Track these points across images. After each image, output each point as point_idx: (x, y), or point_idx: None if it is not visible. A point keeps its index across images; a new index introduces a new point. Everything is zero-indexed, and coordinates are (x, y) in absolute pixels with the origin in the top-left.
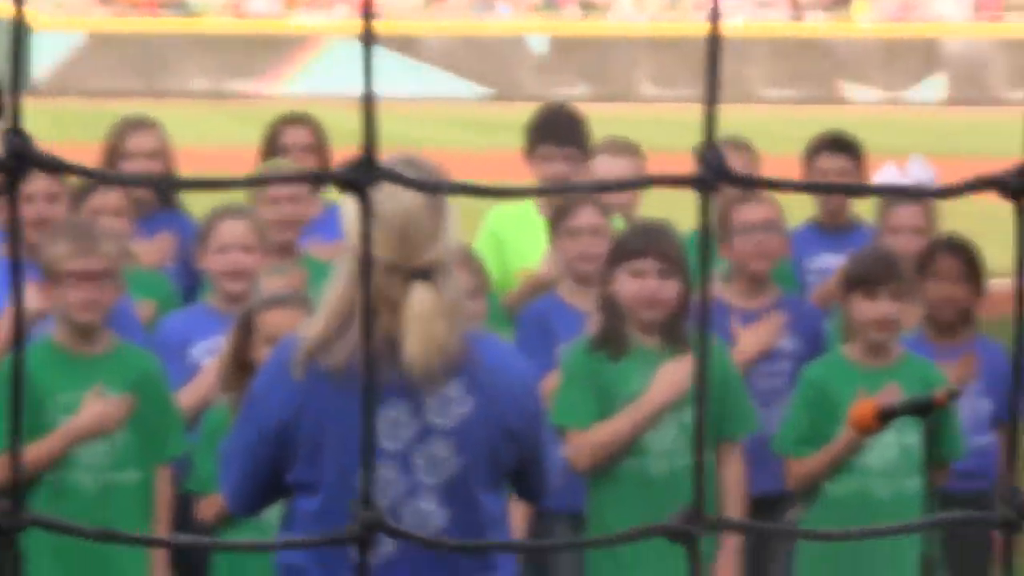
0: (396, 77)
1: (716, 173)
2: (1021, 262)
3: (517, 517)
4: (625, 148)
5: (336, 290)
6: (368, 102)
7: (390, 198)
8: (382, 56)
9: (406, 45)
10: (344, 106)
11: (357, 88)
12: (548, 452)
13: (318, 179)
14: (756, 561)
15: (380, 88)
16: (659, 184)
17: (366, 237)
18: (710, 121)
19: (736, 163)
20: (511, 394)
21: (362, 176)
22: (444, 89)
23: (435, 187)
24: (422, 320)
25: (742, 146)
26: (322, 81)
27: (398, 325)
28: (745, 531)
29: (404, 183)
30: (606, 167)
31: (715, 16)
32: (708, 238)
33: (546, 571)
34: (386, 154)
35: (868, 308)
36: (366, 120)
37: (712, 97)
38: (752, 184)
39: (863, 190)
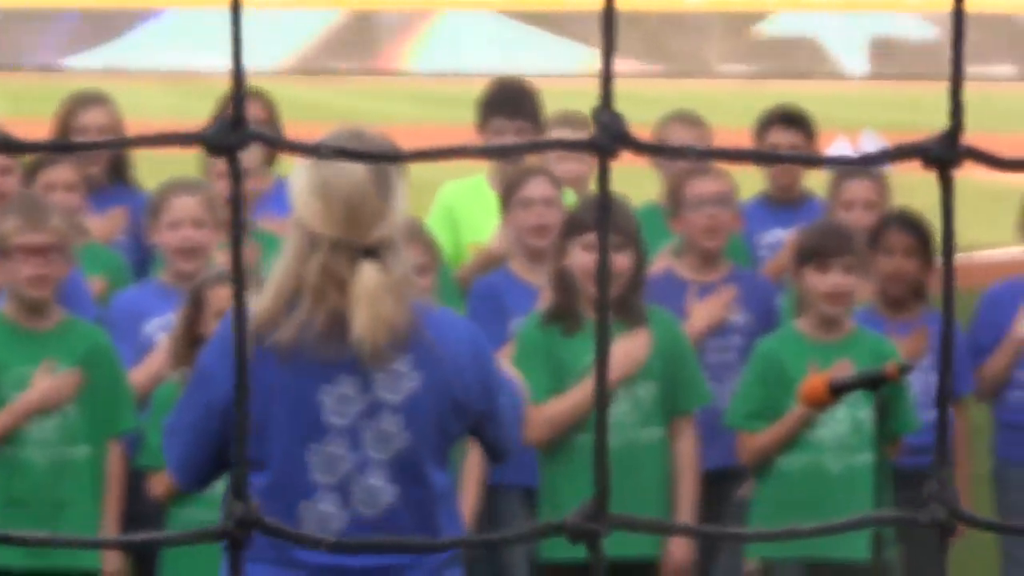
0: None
1: (613, 137)
2: (948, 232)
3: (469, 492)
4: (689, 119)
5: (282, 266)
6: (237, 62)
7: (338, 175)
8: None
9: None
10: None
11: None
12: (504, 413)
13: (185, 141)
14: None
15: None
16: (557, 148)
17: (235, 202)
18: (607, 84)
19: (687, 138)
20: (459, 367)
21: (231, 138)
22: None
23: (342, 153)
24: (370, 298)
25: (693, 121)
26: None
27: (346, 302)
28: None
29: (276, 144)
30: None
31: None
32: (607, 202)
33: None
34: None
35: (820, 281)
36: (235, 82)
37: (608, 58)
38: (650, 150)
39: (770, 157)
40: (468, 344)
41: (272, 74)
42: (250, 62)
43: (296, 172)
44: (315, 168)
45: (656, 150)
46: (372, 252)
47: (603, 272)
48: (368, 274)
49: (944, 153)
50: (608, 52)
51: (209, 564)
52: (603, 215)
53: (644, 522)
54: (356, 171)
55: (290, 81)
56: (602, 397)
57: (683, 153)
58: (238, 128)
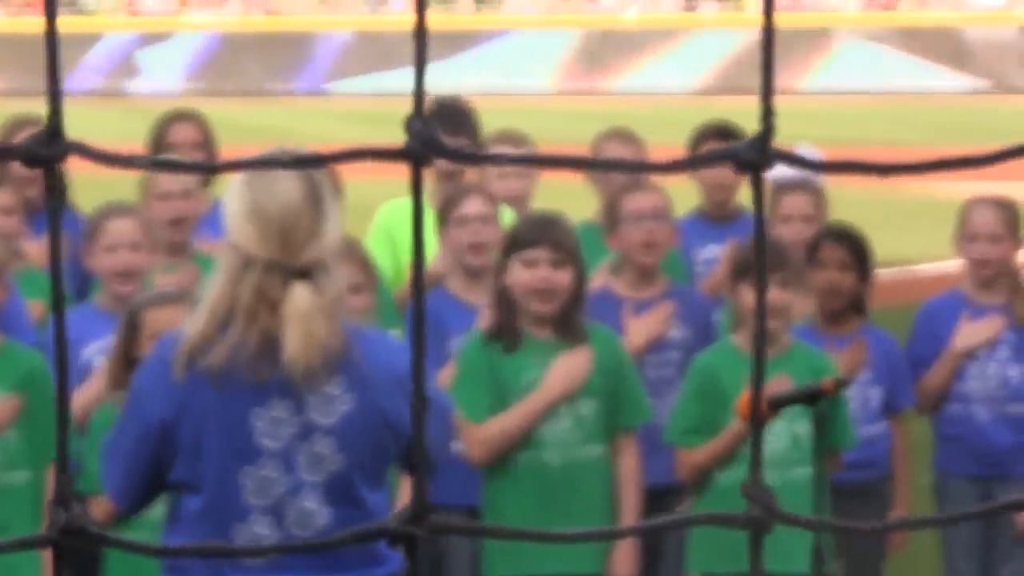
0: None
1: (425, 145)
2: (759, 231)
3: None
4: (624, 136)
5: (215, 287)
6: (51, 74)
7: (271, 196)
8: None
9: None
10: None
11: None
12: (432, 430)
13: (2, 155)
14: (650, 551)
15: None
16: (370, 158)
17: (52, 212)
18: (419, 95)
19: (623, 155)
20: (391, 389)
21: (48, 150)
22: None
23: (229, 166)
24: (302, 320)
25: (627, 137)
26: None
27: (278, 324)
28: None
29: (92, 156)
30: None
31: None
32: (419, 211)
33: (441, 566)
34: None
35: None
36: (51, 96)
37: (420, 69)
38: (467, 159)
39: (590, 164)
40: (400, 365)
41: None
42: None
43: (229, 194)
44: (248, 190)
45: (471, 158)
46: (305, 274)
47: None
48: (300, 295)
49: (755, 157)
50: (420, 67)
51: None
52: (417, 228)
53: (461, 526)
54: (289, 193)
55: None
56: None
57: (497, 159)
58: (53, 141)
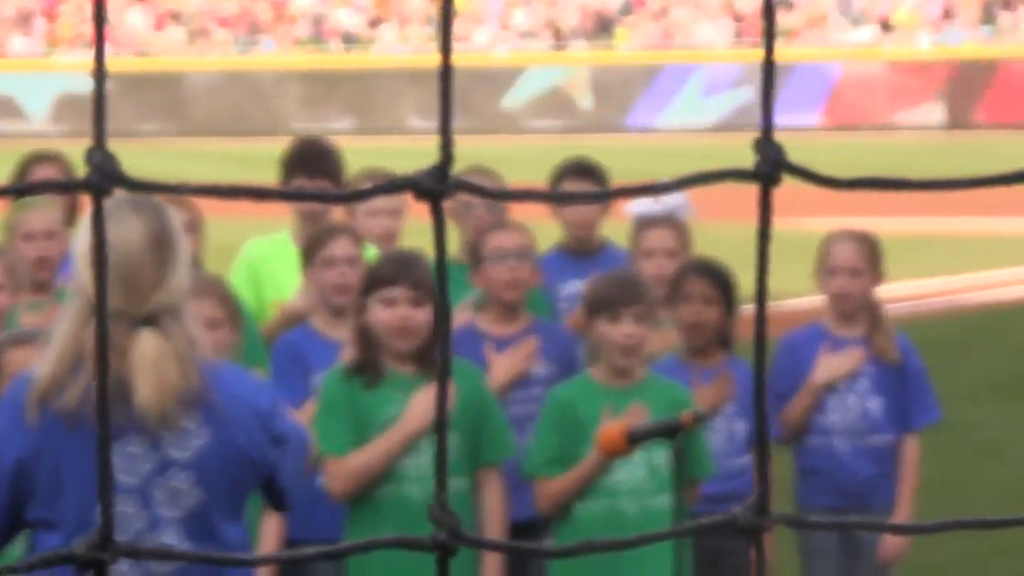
0: None
1: (105, 177)
2: (439, 263)
3: (269, 545)
4: (483, 173)
5: (63, 331)
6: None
7: (114, 246)
8: None
9: None
10: None
11: None
12: (289, 463)
13: (399, 187)
14: None
15: None
16: (54, 191)
17: None
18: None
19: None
20: (246, 422)
21: (441, 185)
22: None
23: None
24: (150, 367)
25: (487, 173)
26: None
27: (127, 369)
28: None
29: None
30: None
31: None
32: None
33: None
34: None
35: (611, 331)
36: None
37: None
38: (165, 190)
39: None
40: (254, 398)
41: None
42: None
43: (77, 236)
44: (91, 233)
45: (137, 186)
46: (151, 320)
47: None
48: (146, 343)
49: (434, 186)
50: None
51: None
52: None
53: (149, 550)
54: (131, 241)
55: None
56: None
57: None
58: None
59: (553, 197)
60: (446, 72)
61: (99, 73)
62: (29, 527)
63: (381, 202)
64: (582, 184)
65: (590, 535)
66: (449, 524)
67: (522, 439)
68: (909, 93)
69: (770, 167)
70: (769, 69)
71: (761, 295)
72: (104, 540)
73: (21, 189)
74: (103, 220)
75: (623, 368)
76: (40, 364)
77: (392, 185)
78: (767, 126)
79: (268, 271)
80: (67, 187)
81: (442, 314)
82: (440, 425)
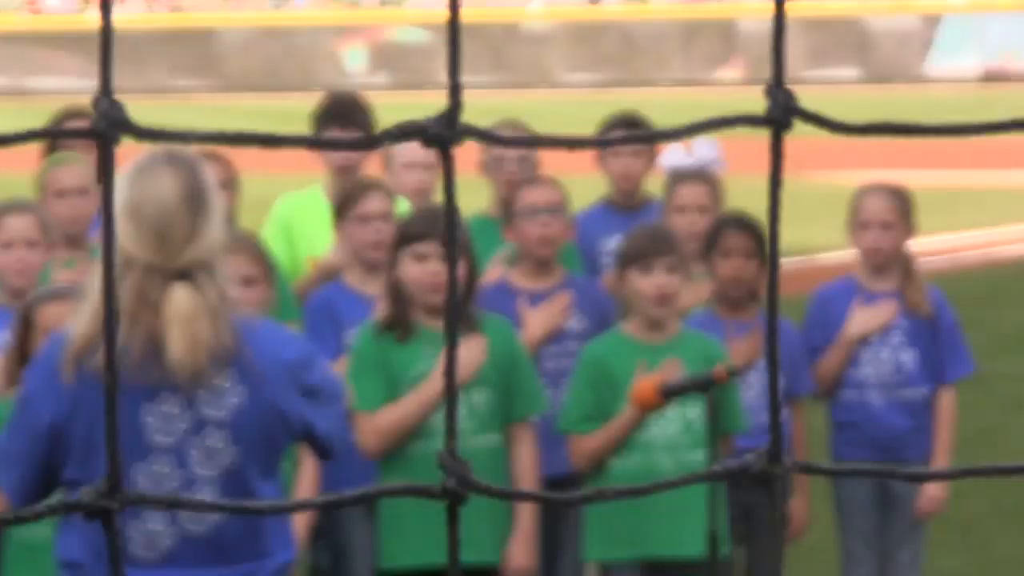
0: None
1: (111, 125)
2: (449, 207)
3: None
4: (514, 127)
5: (97, 288)
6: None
7: (148, 198)
8: None
9: None
10: None
11: None
12: (330, 413)
13: (406, 134)
14: (548, 540)
15: None
16: (61, 137)
17: None
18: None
19: (516, 148)
20: (282, 378)
21: (449, 132)
22: None
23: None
24: (184, 322)
25: (516, 126)
26: None
27: (161, 325)
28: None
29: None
30: None
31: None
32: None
33: (342, 557)
34: None
35: (643, 283)
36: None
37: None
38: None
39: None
40: (288, 353)
41: None
42: None
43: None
44: (128, 189)
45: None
46: (185, 275)
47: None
48: (180, 298)
49: (442, 132)
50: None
51: None
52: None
53: (157, 498)
54: (166, 194)
55: None
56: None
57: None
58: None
59: (552, 142)
60: (454, 19)
61: (106, 23)
62: (66, 487)
63: (416, 156)
64: None
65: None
66: (458, 472)
67: (556, 394)
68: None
69: (781, 112)
70: (780, 19)
71: (773, 242)
72: (111, 489)
73: (22, 137)
74: (112, 167)
75: (656, 320)
76: (74, 322)
77: (400, 132)
78: (778, 73)
79: (300, 227)
80: (75, 135)
81: (450, 258)
82: (449, 373)
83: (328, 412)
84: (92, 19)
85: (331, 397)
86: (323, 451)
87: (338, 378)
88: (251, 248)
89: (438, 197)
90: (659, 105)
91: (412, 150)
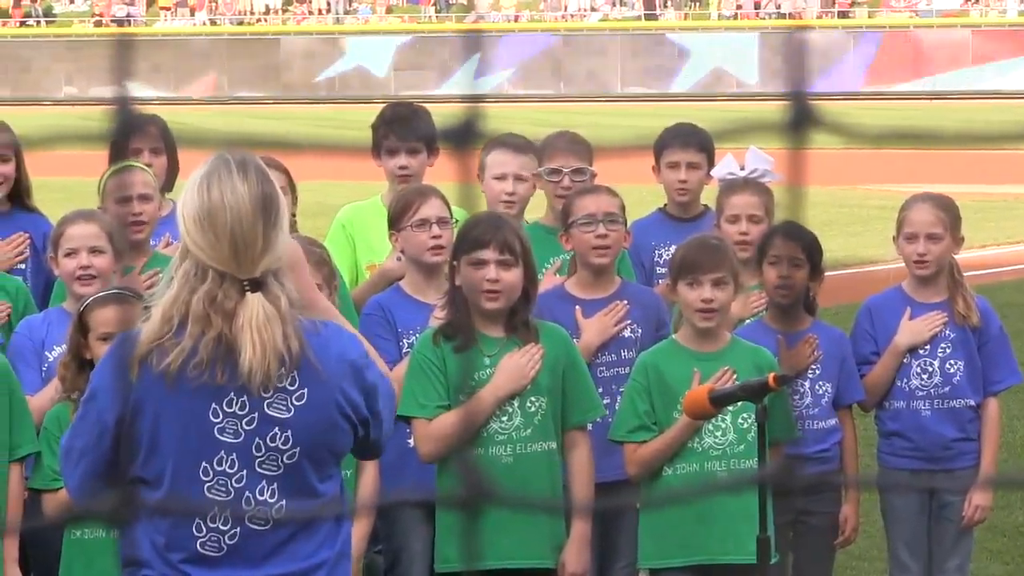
0: None
1: None
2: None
3: (365, 501)
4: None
5: (170, 292)
6: None
7: (223, 206)
8: None
9: None
10: None
11: None
12: (381, 414)
13: None
14: (603, 545)
15: None
16: None
17: None
18: None
19: (572, 159)
20: (342, 381)
21: None
22: None
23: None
24: (258, 330)
25: (574, 140)
26: None
27: (233, 331)
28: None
29: None
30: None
31: None
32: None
33: (398, 560)
34: None
35: (691, 295)
36: None
37: None
38: None
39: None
40: (349, 354)
41: None
42: None
43: (184, 198)
44: (201, 196)
45: None
46: (257, 282)
47: None
48: (255, 307)
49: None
50: None
51: None
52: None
53: (178, 506)
54: (240, 203)
55: None
56: None
57: None
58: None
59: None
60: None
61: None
62: (131, 485)
63: (508, 167)
64: (687, 151)
65: (680, 498)
66: (471, 480)
67: (611, 402)
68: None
69: (797, 121)
70: (799, 39)
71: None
72: (130, 497)
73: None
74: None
75: (703, 331)
76: (145, 325)
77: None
78: (797, 85)
79: (361, 235)
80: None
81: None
82: (467, 381)
83: (379, 411)
84: (159, 29)
85: (384, 396)
86: (373, 451)
87: (387, 378)
88: (316, 255)
89: (530, 208)
90: (713, 120)
91: (504, 162)
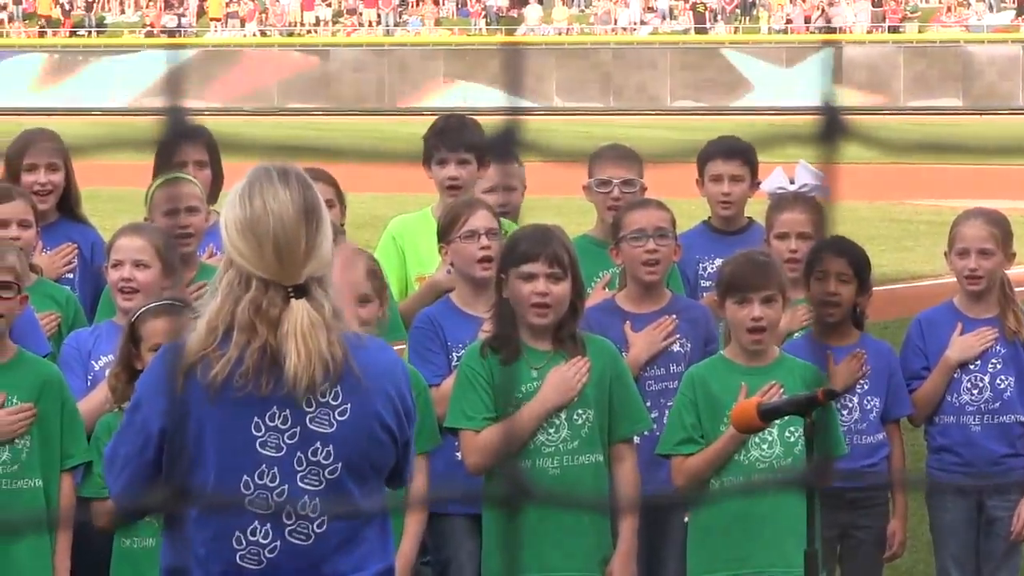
0: None
1: None
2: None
3: (412, 520)
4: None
5: (215, 302)
6: None
7: (266, 214)
8: None
9: None
10: None
11: None
12: (411, 445)
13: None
14: (650, 558)
15: None
16: None
17: None
18: None
19: (622, 171)
20: (386, 397)
21: None
22: None
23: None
24: (302, 337)
25: (623, 152)
26: None
27: (278, 340)
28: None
29: None
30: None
31: None
32: None
33: (446, 572)
34: None
35: (739, 313)
36: None
37: None
38: None
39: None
40: (395, 374)
41: None
42: None
43: (227, 208)
44: (244, 206)
45: None
46: (302, 289)
47: None
48: (299, 313)
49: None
50: None
51: None
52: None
53: (224, 499)
54: (284, 211)
55: None
56: None
57: None
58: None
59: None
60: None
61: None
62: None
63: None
64: (730, 163)
65: (726, 510)
66: (515, 479)
67: (659, 416)
68: None
69: (828, 132)
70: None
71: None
72: (181, 491)
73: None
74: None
75: (751, 349)
76: (189, 335)
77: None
78: (828, 98)
79: (411, 247)
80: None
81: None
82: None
83: (411, 444)
84: (209, 40)
85: (413, 432)
86: (402, 480)
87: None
88: (367, 266)
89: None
90: (755, 132)
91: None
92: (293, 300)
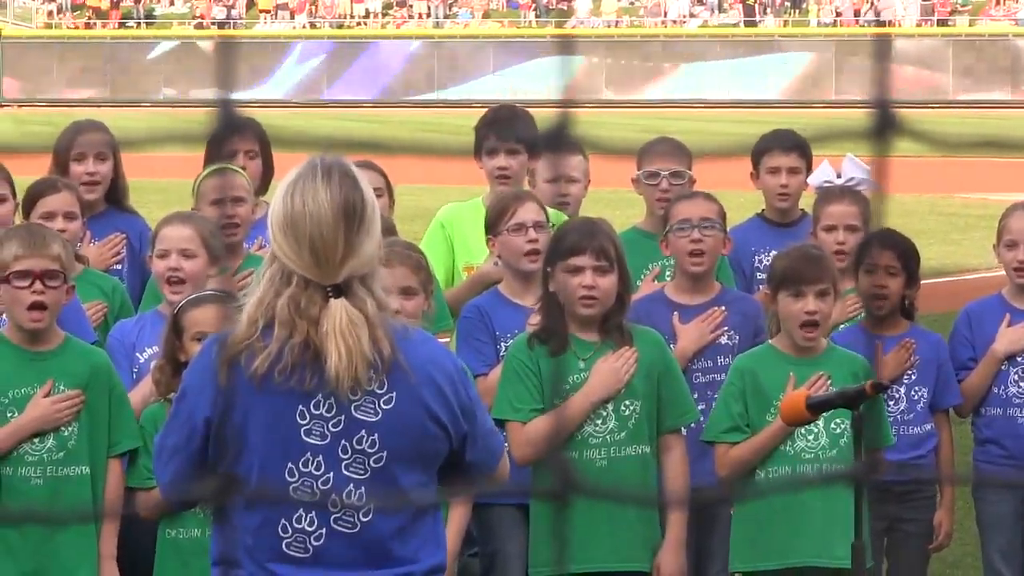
0: None
1: None
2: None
3: (458, 509)
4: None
5: (257, 296)
6: None
7: (306, 214)
8: None
9: None
10: None
11: None
12: (483, 437)
13: None
14: (699, 549)
15: None
16: None
17: None
18: None
19: (671, 163)
20: (434, 388)
21: None
22: None
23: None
24: (341, 336)
25: (673, 145)
26: None
27: (319, 336)
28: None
29: None
30: None
31: None
32: None
33: (494, 563)
34: None
35: (793, 307)
36: None
37: None
38: None
39: None
40: (443, 364)
41: None
42: None
43: (273, 203)
44: (285, 203)
45: None
46: (342, 288)
47: None
48: (338, 313)
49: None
50: None
51: None
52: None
53: (270, 494)
54: (323, 211)
55: None
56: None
57: None
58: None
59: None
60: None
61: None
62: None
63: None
64: (787, 156)
65: (772, 501)
66: (562, 471)
67: (706, 408)
68: None
69: (881, 129)
70: (883, 43)
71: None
72: (227, 481)
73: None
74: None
75: (804, 344)
76: (233, 327)
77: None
78: (881, 95)
79: (460, 236)
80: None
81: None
82: (556, 390)
83: (489, 440)
84: (259, 32)
85: (483, 424)
86: (475, 474)
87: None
88: (414, 259)
89: (585, 210)
90: (809, 126)
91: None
92: (332, 300)
